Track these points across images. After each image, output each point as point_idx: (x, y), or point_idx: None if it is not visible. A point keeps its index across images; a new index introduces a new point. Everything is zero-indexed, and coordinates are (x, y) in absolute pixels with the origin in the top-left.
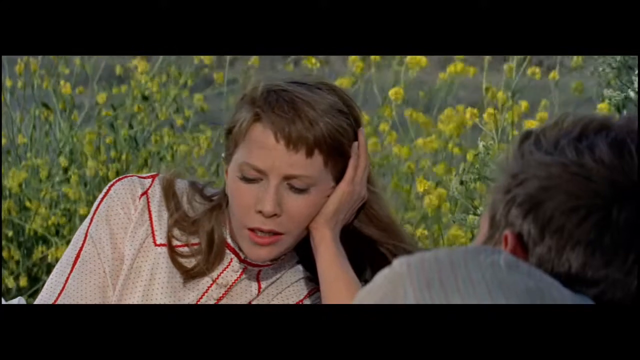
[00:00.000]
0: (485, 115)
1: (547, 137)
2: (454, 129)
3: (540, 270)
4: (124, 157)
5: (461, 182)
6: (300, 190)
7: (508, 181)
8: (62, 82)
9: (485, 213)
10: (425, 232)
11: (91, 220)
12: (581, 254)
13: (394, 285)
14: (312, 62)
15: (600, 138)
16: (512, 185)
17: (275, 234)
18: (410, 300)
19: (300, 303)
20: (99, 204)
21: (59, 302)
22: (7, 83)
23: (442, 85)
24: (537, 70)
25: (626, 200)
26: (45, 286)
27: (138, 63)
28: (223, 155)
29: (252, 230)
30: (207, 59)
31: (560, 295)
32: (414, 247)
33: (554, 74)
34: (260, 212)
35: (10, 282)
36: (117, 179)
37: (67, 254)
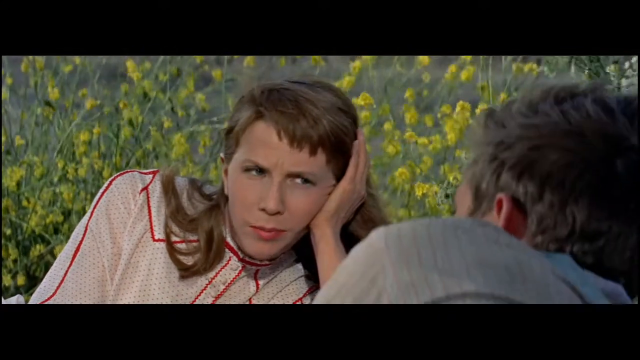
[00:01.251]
0: (477, 111)
1: (520, 106)
2: (457, 135)
3: (521, 242)
4: (117, 159)
5: (446, 196)
6: (303, 187)
7: (490, 150)
8: (49, 89)
9: (462, 189)
10: None
11: (91, 214)
12: (585, 206)
13: (371, 261)
14: (315, 60)
15: (581, 99)
16: (498, 152)
17: (278, 230)
18: (390, 279)
19: (300, 301)
20: (99, 198)
21: (57, 294)
22: (8, 81)
23: (442, 84)
24: (535, 66)
25: (623, 150)
26: (45, 279)
27: (132, 68)
28: (222, 155)
29: (254, 227)
30: (199, 57)
31: (540, 266)
32: None
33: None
34: (263, 209)
35: (7, 280)
36: (118, 173)
37: (67, 248)
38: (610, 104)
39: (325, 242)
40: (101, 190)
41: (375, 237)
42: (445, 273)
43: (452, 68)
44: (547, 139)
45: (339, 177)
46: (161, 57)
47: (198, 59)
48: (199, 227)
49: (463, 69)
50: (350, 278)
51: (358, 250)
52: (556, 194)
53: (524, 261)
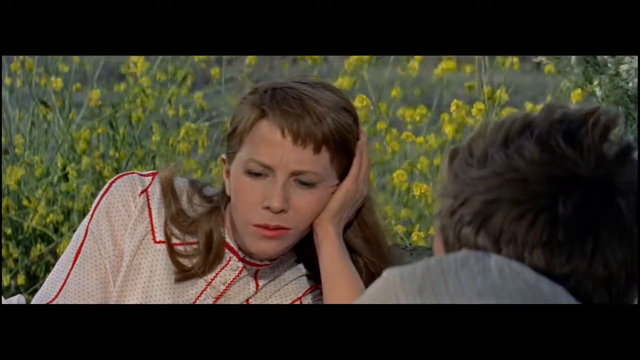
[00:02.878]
0: (474, 110)
1: (474, 150)
2: (454, 132)
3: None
4: (118, 155)
5: None
6: (307, 186)
7: (450, 203)
8: (52, 79)
9: (436, 237)
10: (422, 234)
11: (92, 216)
12: (541, 256)
13: (386, 295)
14: (313, 59)
15: (526, 138)
16: (456, 206)
17: (282, 228)
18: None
19: (299, 300)
20: (99, 201)
21: (60, 297)
22: (7, 81)
23: (437, 82)
24: (516, 60)
25: (568, 192)
26: (46, 282)
27: (137, 60)
28: (223, 156)
29: (258, 226)
30: (197, 58)
31: (552, 289)
32: (392, 263)
33: (549, 68)
34: (267, 208)
35: (6, 280)
36: (117, 175)
37: (68, 250)
38: (554, 136)
39: (329, 242)
40: (101, 193)
41: (389, 274)
42: (457, 295)
43: (446, 64)
44: (497, 192)
45: (342, 176)
46: (160, 57)
47: (197, 58)
48: (199, 229)
49: (459, 68)
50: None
51: (373, 286)
52: (511, 248)
53: (535, 285)
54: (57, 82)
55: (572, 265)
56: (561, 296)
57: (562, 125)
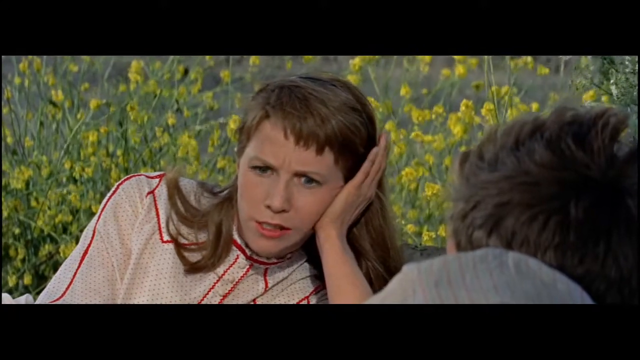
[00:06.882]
0: (483, 111)
1: (484, 154)
2: (462, 132)
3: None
4: (123, 159)
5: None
6: (310, 186)
7: (462, 206)
8: (53, 92)
9: (449, 240)
10: (433, 234)
11: (99, 217)
12: (553, 258)
13: (403, 288)
14: (308, 58)
15: (536, 141)
16: (467, 210)
17: (282, 228)
18: (419, 299)
19: (306, 299)
20: (106, 202)
21: (67, 295)
22: (16, 81)
23: (445, 82)
24: (530, 59)
25: (579, 194)
26: (52, 281)
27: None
28: (236, 149)
29: (259, 223)
30: (208, 57)
31: (567, 288)
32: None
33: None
34: (268, 206)
35: (12, 281)
36: (125, 178)
37: (75, 252)
38: (564, 141)
39: (330, 244)
40: (108, 195)
41: (407, 269)
42: (473, 288)
43: (460, 69)
44: (508, 195)
45: (347, 177)
46: (171, 56)
47: (208, 58)
48: (209, 220)
49: (466, 68)
50: (382, 302)
51: (392, 282)
52: (523, 251)
53: (550, 284)
54: (59, 95)
55: (585, 267)
56: (576, 295)
57: (572, 128)
